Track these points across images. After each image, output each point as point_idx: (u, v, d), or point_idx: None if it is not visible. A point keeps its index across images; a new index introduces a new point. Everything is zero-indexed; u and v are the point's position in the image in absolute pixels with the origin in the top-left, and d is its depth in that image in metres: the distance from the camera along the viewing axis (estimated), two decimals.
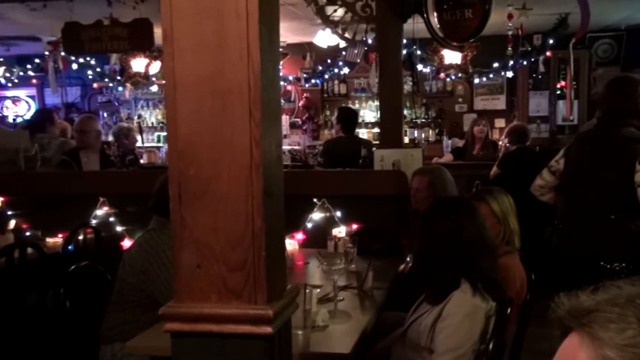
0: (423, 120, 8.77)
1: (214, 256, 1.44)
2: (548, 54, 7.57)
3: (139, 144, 7.75)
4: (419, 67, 7.04)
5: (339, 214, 4.02)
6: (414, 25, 4.64)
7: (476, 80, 8.37)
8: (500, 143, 6.89)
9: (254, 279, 1.43)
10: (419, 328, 2.25)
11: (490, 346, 2.13)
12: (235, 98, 1.39)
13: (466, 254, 2.20)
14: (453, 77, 7.88)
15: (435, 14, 4.33)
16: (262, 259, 1.42)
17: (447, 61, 7.33)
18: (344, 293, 2.88)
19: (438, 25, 4.36)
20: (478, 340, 2.12)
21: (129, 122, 8.22)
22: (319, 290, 2.75)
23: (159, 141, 9.03)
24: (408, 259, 3.40)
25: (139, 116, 9.20)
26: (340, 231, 3.90)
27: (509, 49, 6.89)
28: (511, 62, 7.35)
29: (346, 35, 4.66)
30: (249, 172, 1.41)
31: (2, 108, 9.37)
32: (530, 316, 2.61)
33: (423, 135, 8.71)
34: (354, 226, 3.96)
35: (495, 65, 7.76)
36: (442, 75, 7.69)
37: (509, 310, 2.24)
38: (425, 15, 4.34)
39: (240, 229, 1.42)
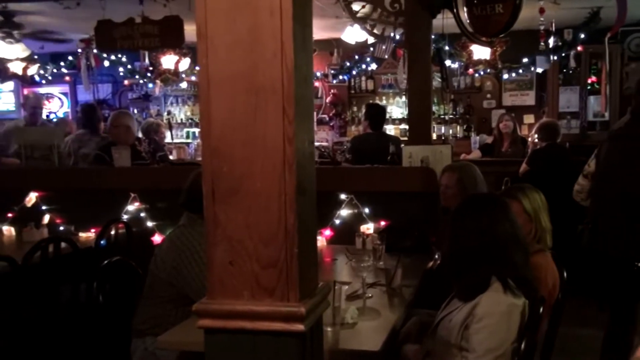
0: (451, 116, 8.71)
1: (247, 253, 1.44)
2: (579, 48, 7.44)
3: (168, 139, 7.87)
4: (447, 62, 6.97)
5: (367, 210, 4.02)
6: (443, 21, 4.61)
7: (505, 76, 8.27)
8: (529, 139, 6.80)
9: (286, 276, 1.43)
10: (448, 325, 2.25)
11: (522, 346, 2.11)
12: (268, 95, 1.39)
13: (499, 250, 2.18)
14: (482, 73, 7.80)
15: (465, 8, 4.29)
16: (294, 256, 1.42)
17: (476, 57, 7.26)
18: (373, 290, 2.88)
19: (468, 20, 4.32)
20: (516, 338, 2.11)
21: (158, 119, 8.34)
22: (347, 287, 2.74)
23: (187, 137, 9.13)
24: (436, 256, 3.38)
25: (169, 112, 9.32)
26: (368, 228, 3.89)
27: (542, 43, 6.78)
28: (543, 57, 7.24)
29: (375, 31, 4.63)
30: (282, 169, 1.40)
31: None
32: (562, 315, 2.57)
33: (451, 131, 8.65)
34: (382, 223, 3.96)
35: (525, 60, 7.66)
36: (470, 71, 7.62)
37: (541, 309, 2.22)
38: (454, 10, 4.30)
39: (273, 226, 1.42)
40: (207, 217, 1.47)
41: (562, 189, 4.29)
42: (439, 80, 6.65)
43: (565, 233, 3.86)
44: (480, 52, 7.07)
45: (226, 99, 1.42)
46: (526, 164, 5.55)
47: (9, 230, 4.45)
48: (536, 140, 5.85)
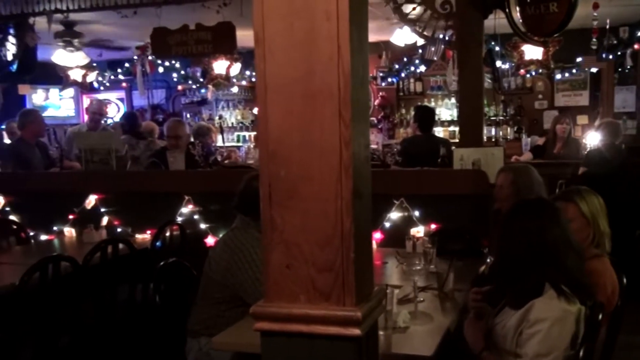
0: (501, 117, 8.55)
1: (303, 257, 1.45)
2: (636, 46, 7.19)
3: (219, 143, 8.00)
4: (498, 63, 6.84)
5: (417, 213, 3.99)
6: (495, 21, 4.54)
7: (557, 76, 8.07)
8: (583, 140, 6.62)
9: (342, 280, 1.43)
10: (501, 332, 2.21)
11: (581, 353, 2.05)
12: (325, 99, 1.40)
13: (548, 256, 2.13)
14: (533, 73, 7.62)
15: (517, 8, 4.22)
16: (350, 260, 1.42)
17: (527, 57, 7.09)
18: (424, 294, 2.85)
19: (520, 20, 4.25)
20: (569, 346, 2.06)
21: (210, 123, 8.51)
22: (398, 290, 2.73)
23: (238, 141, 9.28)
24: (488, 260, 3.32)
25: (220, 117, 9.50)
26: (418, 231, 3.86)
27: (594, 39, 6.56)
28: (592, 57, 7.03)
29: (425, 33, 4.60)
30: (339, 172, 1.40)
31: None
32: (621, 322, 2.49)
33: (501, 133, 8.49)
34: (433, 226, 3.92)
35: (579, 60, 7.45)
36: (522, 71, 7.45)
37: (600, 316, 2.16)
38: (507, 10, 4.24)
39: (329, 229, 1.42)
40: (264, 220, 1.48)
41: (620, 192, 4.16)
42: (489, 81, 6.54)
43: (624, 237, 3.74)
44: (532, 52, 6.91)
45: (283, 103, 1.43)
46: (583, 165, 5.40)
47: (70, 231, 4.63)
48: (597, 140, 5.69)
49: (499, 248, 2.27)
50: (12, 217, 4.88)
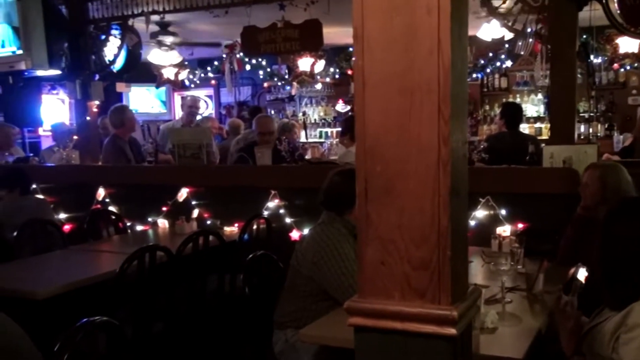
0: (591, 114, 8.17)
1: (398, 254, 1.44)
2: None
3: (302, 139, 8.09)
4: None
5: (503, 212, 3.90)
6: (591, 13, 4.35)
7: None
8: None
9: (438, 279, 1.41)
10: (597, 336, 2.13)
11: None
12: (424, 94, 1.38)
13: None
14: (628, 67, 7.23)
15: None
16: (447, 258, 1.40)
17: (622, 50, 6.76)
18: (512, 295, 2.79)
19: (618, 11, 4.05)
20: None
21: (294, 119, 8.65)
22: (484, 290, 2.68)
23: (320, 137, 9.39)
24: (579, 264, 3.19)
25: (304, 113, 9.64)
26: (504, 230, 3.78)
27: None
28: None
29: (515, 27, 4.47)
30: (436, 169, 1.39)
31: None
32: None
33: (591, 130, 8.11)
34: (520, 225, 3.82)
35: None
36: (615, 65, 7.09)
37: None
38: (604, 1, 4.05)
39: (426, 227, 1.41)
40: (360, 216, 1.48)
41: None
42: (580, 75, 6.27)
43: None
44: (627, 45, 6.57)
45: (381, 99, 1.43)
46: None
47: (163, 222, 4.87)
48: None
49: (599, 248, 2.19)
50: (111, 208, 5.17)
